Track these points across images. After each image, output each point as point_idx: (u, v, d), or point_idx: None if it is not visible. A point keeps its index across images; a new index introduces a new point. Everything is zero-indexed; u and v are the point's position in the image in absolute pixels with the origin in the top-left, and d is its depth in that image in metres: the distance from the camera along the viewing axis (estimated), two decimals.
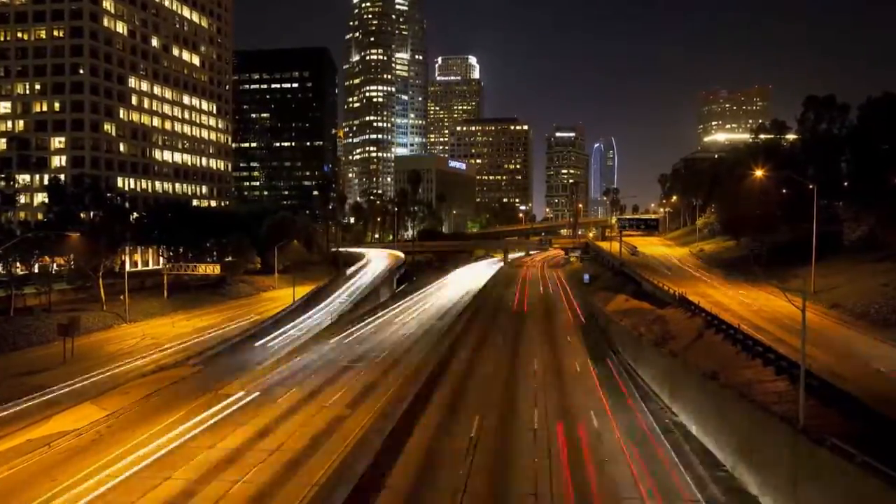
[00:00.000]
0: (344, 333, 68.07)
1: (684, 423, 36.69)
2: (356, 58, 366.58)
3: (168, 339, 66.73)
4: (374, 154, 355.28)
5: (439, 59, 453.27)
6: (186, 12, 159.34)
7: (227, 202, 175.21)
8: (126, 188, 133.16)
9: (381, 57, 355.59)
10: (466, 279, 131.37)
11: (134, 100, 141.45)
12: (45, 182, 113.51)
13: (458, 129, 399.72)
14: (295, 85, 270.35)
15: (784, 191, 76.90)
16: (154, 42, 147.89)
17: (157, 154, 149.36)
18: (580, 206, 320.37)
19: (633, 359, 52.16)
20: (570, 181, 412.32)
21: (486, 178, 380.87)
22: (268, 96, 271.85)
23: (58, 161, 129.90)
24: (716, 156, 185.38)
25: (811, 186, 57.84)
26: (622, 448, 33.10)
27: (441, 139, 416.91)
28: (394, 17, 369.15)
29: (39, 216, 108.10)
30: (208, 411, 39.94)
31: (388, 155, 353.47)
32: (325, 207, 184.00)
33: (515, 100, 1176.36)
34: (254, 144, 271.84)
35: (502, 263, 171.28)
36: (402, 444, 33.36)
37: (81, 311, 73.31)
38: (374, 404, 41.04)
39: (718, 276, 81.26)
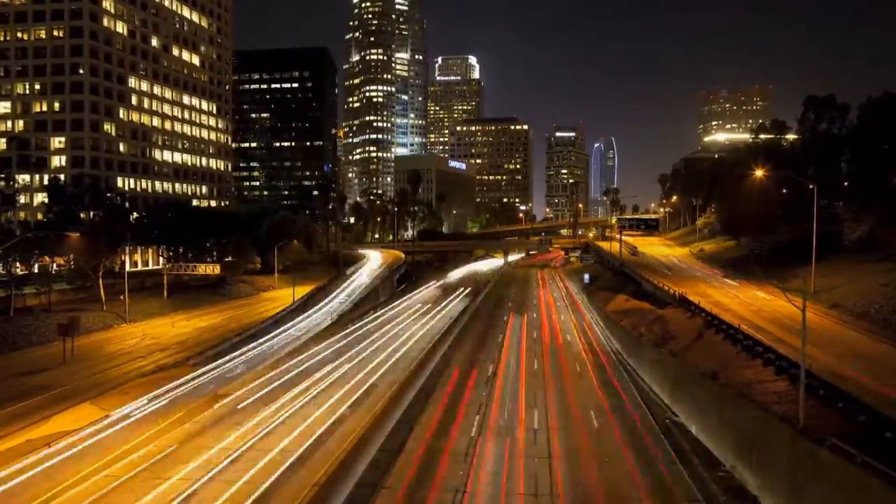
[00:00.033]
0: (343, 333, 68.06)
1: (684, 423, 36.69)
2: (356, 58, 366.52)
3: (168, 338, 66.73)
4: (374, 154, 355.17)
5: (439, 59, 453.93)
6: (186, 12, 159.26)
7: (227, 202, 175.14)
8: (126, 188, 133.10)
9: (381, 57, 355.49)
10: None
11: (134, 100, 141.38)
12: (45, 182, 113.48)
13: (458, 129, 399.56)
14: (295, 85, 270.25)
15: (784, 191, 76.89)
16: (154, 42, 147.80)
17: (157, 154, 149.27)
18: (580, 206, 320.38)
19: (633, 358, 52.17)
20: (570, 181, 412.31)
21: (486, 178, 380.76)
22: (268, 96, 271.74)
23: (58, 161, 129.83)
24: (716, 156, 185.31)
25: (811, 186, 57.83)
26: (622, 448, 33.11)
27: (441, 139, 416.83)
28: (394, 17, 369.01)
29: (39, 216, 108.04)
30: (208, 411, 39.96)
31: (388, 155, 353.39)
32: (325, 207, 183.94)
33: (515, 100, 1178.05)
34: (254, 144, 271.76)
35: (502, 262, 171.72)
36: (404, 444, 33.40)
37: (81, 311, 73.31)
38: (374, 404, 41.03)
39: (718, 276, 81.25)
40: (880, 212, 66.62)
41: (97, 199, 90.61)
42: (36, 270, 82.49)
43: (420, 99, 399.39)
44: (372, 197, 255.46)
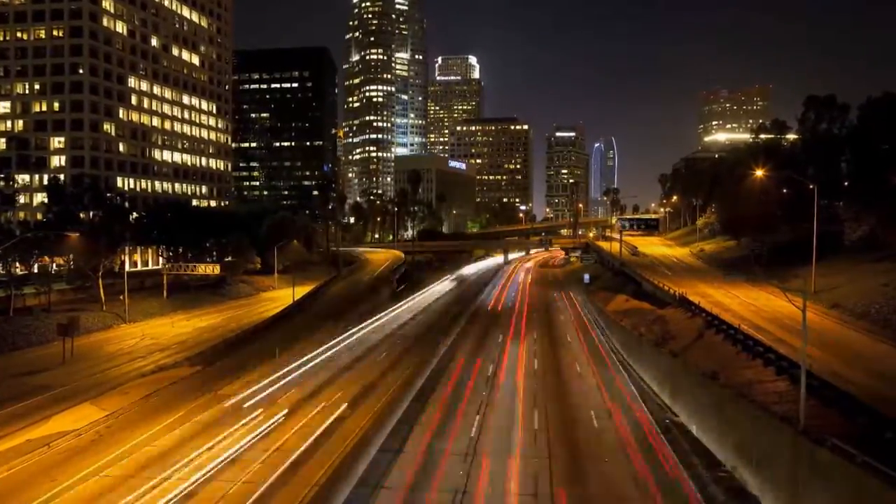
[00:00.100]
0: (343, 334, 68.04)
1: (684, 423, 36.67)
2: (356, 57, 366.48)
3: (168, 339, 66.69)
4: (374, 154, 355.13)
5: (439, 59, 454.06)
6: (186, 12, 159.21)
7: (227, 202, 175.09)
8: (126, 188, 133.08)
9: (381, 57, 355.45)
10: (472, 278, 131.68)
11: (133, 100, 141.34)
12: (45, 182, 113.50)
13: (458, 128, 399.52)
14: (295, 85, 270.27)
15: (784, 191, 76.87)
16: (154, 42, 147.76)
17: (157, 154, 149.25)
18: (580, 205, 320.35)
19: (633, 358, 52.13)
20: (571, 181, 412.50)
21: (486, 178, 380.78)
22: (268, 96, 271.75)
23: (57, 161, 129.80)
24: (716, 155, 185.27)
25: (811, 186, 57.79)
26: (622, 448, 33.08)
27: (441, 139, 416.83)
28: (394, 16, 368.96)
29: (39, 216, 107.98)
30: (208, 411, 39.93)
31: (388, 155, 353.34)
32: (324, 207, 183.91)
33: (515, 100, 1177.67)
34: (254, 144, 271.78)
35: (502, 261, 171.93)
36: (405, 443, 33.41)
37: (81, 311, 73.26)
38: (374, 404, 41.02)
39: (719, 276, 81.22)
40: (880, 212, 66.56)
41: (97, 199, 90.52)
42: (36, 270, 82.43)
43: (420, 99, 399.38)
44: (372, 197, 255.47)
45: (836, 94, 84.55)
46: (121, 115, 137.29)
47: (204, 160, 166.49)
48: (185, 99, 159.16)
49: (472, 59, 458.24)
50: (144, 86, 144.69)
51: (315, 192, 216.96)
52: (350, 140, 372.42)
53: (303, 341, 63.27)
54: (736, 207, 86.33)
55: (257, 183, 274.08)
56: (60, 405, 41.65)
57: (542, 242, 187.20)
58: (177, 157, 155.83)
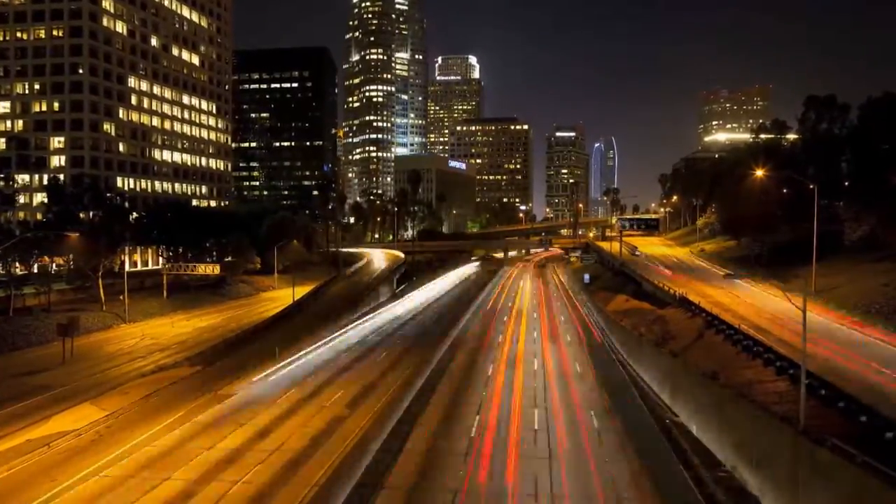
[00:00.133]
0: (344, 334, 68.03)
1: (684, 423, 36.65)
2: (356, 57, 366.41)
3: (168, 339, 66.68)
4: (374, 154, 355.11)
5: (439, 59, 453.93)
6: (186, 12, 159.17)
7: (227, 202, 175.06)
8: (126, 188, 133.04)
9: (380, 57, 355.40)
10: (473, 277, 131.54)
11: (133, 99, 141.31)
12: (45, 182, 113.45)
13: (458, 128, 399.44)
14: (295, 85, 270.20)
15: (784, 191, 76.89)
16: (154, 42, 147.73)
17: (157, 154, 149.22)
18: (580, 206, 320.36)
19: (633, 358, 52.12)
20: (570, 181, 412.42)
21: (486, 178, 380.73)
22: (268, 96, 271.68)
23: (57, 161, 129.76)
24: (716, 155, 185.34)
25: (812, 186, 57.79)
26: (623, 448, 33.06)
27: (441, 139, 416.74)
28: (394, 16, 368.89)
29: (39, 216, 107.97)
30: (208, 411, 39.92)
31: (388, 155, 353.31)
32: (324, 207, 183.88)
33: (515, 100, 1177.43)
34: (254, 144, 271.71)
35: (502, 261, 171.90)
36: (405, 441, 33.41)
37: (81, 311, 73.24)
38: (374, 404, 41.01)
39: (719, 276, 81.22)
40: (880, 212, 66.61)
41: (97, 199, 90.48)
42: (35, 270, 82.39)
43: (420, 99, 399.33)
44: (372, 197, 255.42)
45: (836, 94, 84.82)
46: (121, 115, 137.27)
47: (204, 160, 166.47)
48: (185, 99, 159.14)
49: (472, 59, 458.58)
50: (144, 86, 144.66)
51: (315, 192, 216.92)
52: (350, 140, 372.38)
53: (303, 341, 63.16)
54: (736, 207, 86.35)
55: (257, 183, 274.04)
56: (60, 405, 41.65)
57: (542, 242, 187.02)
58: (177, 157, 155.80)
